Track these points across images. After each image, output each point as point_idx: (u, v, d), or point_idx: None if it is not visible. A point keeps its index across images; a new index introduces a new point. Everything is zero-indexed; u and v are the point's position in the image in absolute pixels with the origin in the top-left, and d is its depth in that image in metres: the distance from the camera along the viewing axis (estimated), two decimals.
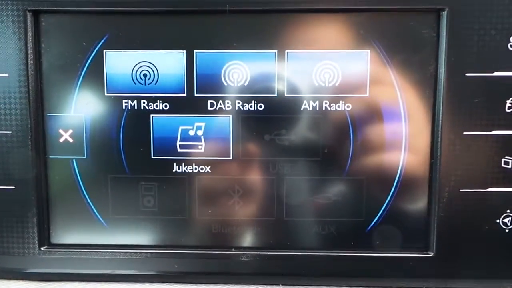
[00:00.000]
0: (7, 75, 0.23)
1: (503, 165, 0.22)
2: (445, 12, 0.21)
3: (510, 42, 0.21)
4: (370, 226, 0.24)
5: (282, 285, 0.24)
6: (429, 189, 0.23)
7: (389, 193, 0.23)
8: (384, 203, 0.23)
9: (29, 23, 0.22)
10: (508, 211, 0.22)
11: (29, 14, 0.22)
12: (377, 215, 0.24)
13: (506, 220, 0.23)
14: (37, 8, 0.22)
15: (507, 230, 0.23)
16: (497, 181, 0.22)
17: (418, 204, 0.23)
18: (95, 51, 0.23)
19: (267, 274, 0.24)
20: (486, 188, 0.22)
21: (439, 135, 0.22)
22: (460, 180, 0.22)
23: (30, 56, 0.23)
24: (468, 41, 0.21)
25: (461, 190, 0.22)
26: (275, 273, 0.24)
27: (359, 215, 0.24)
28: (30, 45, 0.23)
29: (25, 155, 0.23)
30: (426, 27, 0.22)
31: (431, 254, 0.23)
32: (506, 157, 0.22)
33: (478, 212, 0.23)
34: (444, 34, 0.21)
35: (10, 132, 0.23)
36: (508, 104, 0.22)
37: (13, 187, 0.24)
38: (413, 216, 0.23)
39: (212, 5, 0.22)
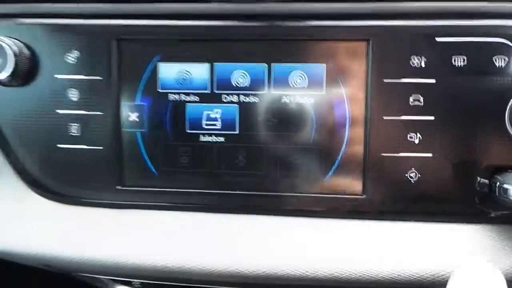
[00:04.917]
0: (100, 78, 0.37)
1: (408, 138, 0.34)
2: (370, 41, 0.33)
3: (410, 60, 0.33)
4: (328, 175, 0.36)
5: (267, 215, 0.37)
6: (363, 153, 0.35)
7: (339, 153, 0.35)
8: (337, 159, 0.35)
9: (114, 46, 0.36)
10: (413, 168, 0.34)
11: (114, 41, 0.36)
12: (332, 167, 0.36)
13: (411, 174, 0.35)
14: (119, 37, 0.36)
15: (412, 181, 0.35)
16: (404, 149, 0.34)
17: (357, 162, 0.35)
18: (152, 63, 0.37)
19: (257, 209, 0.37)
20: (398, 153, 0.34)
21: (368, 118, 0.34)
22: (381, 147, 0.34)
23: (115, 66, 0.36)
24: (385, 58, 0.33)
25: (382, 154, 0.35)
26: (264, 208, 0.37)
27: (319, 169, 0.36)
28: (114, 58, 0.36)
29: (110, 127, 0.37)
30: (360, 49, 0.34)
31: (364, 197, 0.36)
32: (410, 133, 0.34)
33: (393, 169, 0.34)
34: (371, 54, 0.33)
35: (102, 113, 0.37)
36: (411, 99, 0.34)
37: (102, 148, 0.38)
38: (354, 170, 0.35)
39: (227, 36, 0.35)
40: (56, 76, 0.37)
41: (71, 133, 0.37)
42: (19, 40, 0.36)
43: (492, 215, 0.35)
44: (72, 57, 0.36)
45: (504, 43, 0.33)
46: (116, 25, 0.36)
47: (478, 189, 0.34)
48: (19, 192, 0.40)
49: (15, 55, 0.35)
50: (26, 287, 0.56)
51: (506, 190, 0.32)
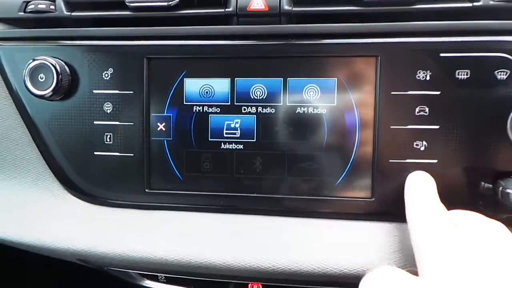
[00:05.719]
0: (132, 92, 0.41)
1: (414, 146, 0.37)
2: (379, 57, 0.36)
3: (416, 74, 0.36)
4: (339, 180, 0.39)
5: (283, 216, 0.40)
6: (372, 159, 0.38)
7: (350, 160, 0.38)
8: (347, 165, 0.38)
9: (145, 64, 0.40)
10: None
11: (145, 59, 0.40)
12: (343, 172, 0.39)
13: None
14: (150, 56, 0.40)
15: None
16: (411, 155, 0.37)
17: (367, 167, 0.38)
18: (179, 78, 0.40)
19: (274, 210, 0.40)
20: (404, 160, 0.37)
21: (377, 128, 0.37)
22: (389, 154, 0.37)
23: (146, 81, 0.40)
24: (393, 73, 0.36)
25: (390, 160, 0.37)
26: (280, 209, 0.40)
27: (331, 174, 0.39)
28: (145, 75, 0.40)
29: (140, 136, 0.41)
30: (369, 64, 0.37)
31: (373, 199, 0.38)
32: (416, 141, 0.37)
33: (401, 174, 0.37)
34: (379, 69, 0.36)
35: (133, 123, 0.41)
36: (417, 110, 0.36)
37: (132, 154, 0.42)
38: (363, 175, 0.38)
39: (246, 53, 0.38)
40: (93, 91, 0.41)
41: (105, 142, 0.41)
42: (61, 60, 0.41)
43: (496, 218, 0.37)
44: (107, 74, 0.41)
45: (505, 57, 0.35)
46: (146, 46, 0.40)
47: (482, 193, 0.36)
48: (57, 194, 0.45)
49: (57, 73, 0.39)
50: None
51: (508, 194, 0.34)
